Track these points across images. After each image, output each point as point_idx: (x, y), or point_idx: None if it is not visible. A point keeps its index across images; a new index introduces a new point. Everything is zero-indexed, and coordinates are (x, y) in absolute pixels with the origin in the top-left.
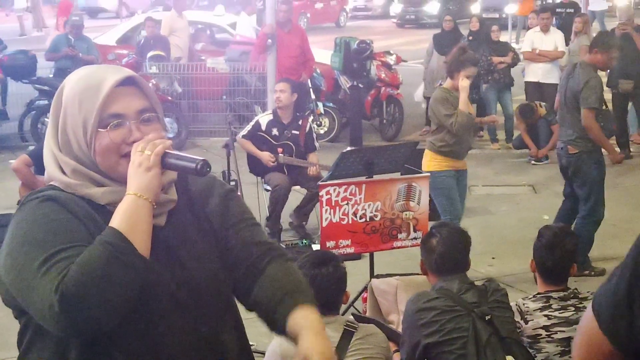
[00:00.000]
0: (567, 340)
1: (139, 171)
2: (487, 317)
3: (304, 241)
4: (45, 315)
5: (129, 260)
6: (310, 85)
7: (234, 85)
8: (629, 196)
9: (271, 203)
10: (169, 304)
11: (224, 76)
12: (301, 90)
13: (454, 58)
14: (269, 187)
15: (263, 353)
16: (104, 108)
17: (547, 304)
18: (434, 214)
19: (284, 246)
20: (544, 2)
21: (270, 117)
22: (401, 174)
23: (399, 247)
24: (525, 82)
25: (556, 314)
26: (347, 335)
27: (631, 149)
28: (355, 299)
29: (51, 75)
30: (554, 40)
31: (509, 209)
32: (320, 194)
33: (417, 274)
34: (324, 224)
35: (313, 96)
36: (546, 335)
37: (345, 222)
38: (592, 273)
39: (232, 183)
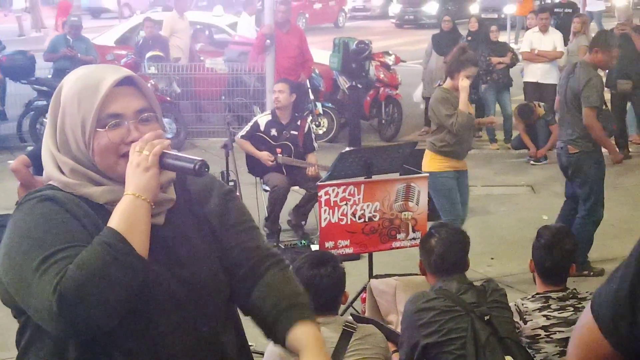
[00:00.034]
0: (566, 341)
1: (137, 171)
2: (486, 318)
3: (303, 241)
4: (43, 316)
5: (127, 260)
6: (309, 86)
7: (233, 85)
8: (628, 196)
9: (270, 203)
10: (168, 303)
11: (223, 77)
12: (300, 91)
13: (454, 58)
14: (267, 188)
15: (262, 353)
16: (102, 108)
17: (546, 304)
18: (433, 214)
19: (283, 247)
20: (543, 2)
21: (269, 117)
22: (400, 174)
23: (397, 248)
24: (524, 82)
25: (555, 314)
26: (346, 335)
27: (630, 150)
28: (354, 299)
29: (50, 76)
30: (552, 40)
31: (507, 209)
32: (319, 194)
33: (416, 274)
34: (323, 224)
35: (312, 96)
36: (545, 335)
37: (344, 223)
38: (591, 273)
39: (231, 183)
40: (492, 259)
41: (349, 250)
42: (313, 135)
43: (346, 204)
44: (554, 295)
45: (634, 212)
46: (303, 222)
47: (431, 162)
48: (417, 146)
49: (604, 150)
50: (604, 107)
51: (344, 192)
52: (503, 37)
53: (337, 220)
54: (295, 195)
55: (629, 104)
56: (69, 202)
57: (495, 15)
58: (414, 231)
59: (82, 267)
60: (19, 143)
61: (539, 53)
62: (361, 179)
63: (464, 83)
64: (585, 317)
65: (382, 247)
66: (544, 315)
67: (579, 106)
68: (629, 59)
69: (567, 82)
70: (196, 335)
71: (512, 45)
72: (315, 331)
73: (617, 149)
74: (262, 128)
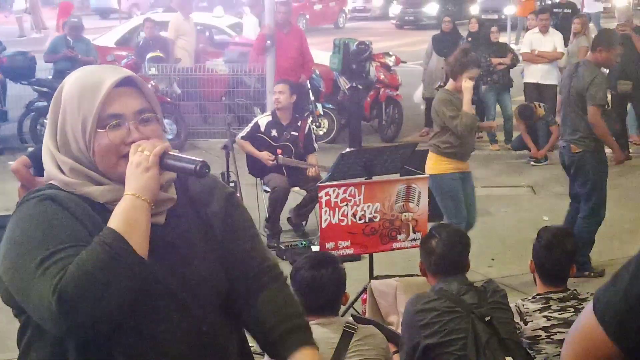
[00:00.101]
0: None
1: (137, 171)
2: (486, 318)
3: (304, 242)
4: (43, 315)
5: (126, 261)
6: (309, 87)
7: (233, 86)
8: (628, 197)
9: (270, 204)
10: (169, 303)
11: (224, 78)
12: (300, 92)
13: (456, 60)
14: (268, 189)
15: (263, 354)
16: (102, 108)
17: (546, 305)
18: (434, 215)
19: (283, 247)
20: (543, 3)
21: (270, 118)
22: (400, 175)
23: (398, 248)
24: (524, 83)
25: (555, 315)
26: (346, 336)
27: (630, 150)
28: (355, 300)
29: (50, 77)
30: (552, 41)
31: (508, 210)
32: (320, 195)
33: (417, 275)
34: (324, 225)
35: (312, 97)
36: (545, 336)
37: (344, 223)
38: (592, 274)
39: (232, 184)
40: (492, 259)
41: (350, 251)
42: (313, 136)
43: (347, 205)
44: (554, 296)
45: (634, 213)
46: (304, 223)
47: (435, 164)
48: (417, 147)
49: (606, 150)
50: (606, 106)
51: (344, 193)
52: (503, 38)
53: (337, 221)
54: (296, 196)
55: (629, 105)
56: (69, 202)
57: (496, 16)
58: (414, 232)
59: (82, 267)
60: (19, 144)
61: (539, 54)
62: (362, 179)
63: (467, 84)
64: (585, 319)
65: (383, 248)
66: (545, 316)
67: (583, 106)
68: (629, 60)
69: (571, 82)
70: (196, 335)
71: (513, 46)
72: (316, 356)
73: (620, 149)
74: (262, 129)
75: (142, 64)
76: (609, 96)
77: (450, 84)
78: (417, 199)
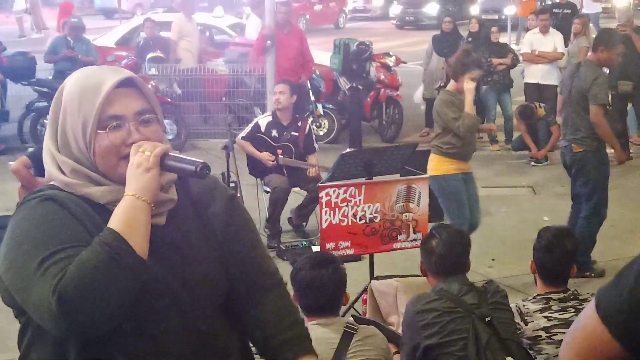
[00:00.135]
0: None
1: (137, 172)
2: (487, 319)
3: (304, 242)
4: (43, 316)
5: (126, 261)
6: (309, 87)
7: (234, 87)
8: (628, 197)
9: (271, 205)
10: (169, 303)
11: (224, 78)
12: (300, 92)
13: (458, 60)
14: (268, 189)
15: None
16: (103, 109)
17: (547, 306)
18: (434, 215)
19: (284, 247)
20: (543, 4)
21: (270, 118)
22: (401, 176)
23: (398, 249)
24: (525, 83)
25: (556, 315)
26: (347, 336)
27: (631, 150)
28: (355, 300)
29: (50, 77)
30: (553, 41)
31: (508, 211)
32: (320, 195)
33: (417, 276)
34: (324, 225)
35: (312, 98)
36: (546, 336)
37: (345, 224)
38: (593, 274)
39: (232, 185)
40: (493, 260)
41: (350, 252)
42: (314, 137)
43: (347, 205)
44: (555, 296)
45: (635, 213)
46: (304, 223)
47: (438, 165)
48: (418, 147)
49: (608, 150)
50: (608, 106)
51: (344, 193)
52: (504, 38)
53: (338, 222)
54: (296, 196)
55: (629, 105)
56: (69, 202)
57: (496, 16)
58: (414, 232)
59: (82, 267)
60: (20, 144)
61: (540, 54)
62: (362, 180)
63: (469, 85)
64: (587, 319)
65: (383, 248)
66: (545, 317)
67: (585, 105)
68: (630, 60)
69: (572, 82)
70: (197, 335)
71: (513, 46)
72: None
73: (621, 149)
74: (262, 129)
75: (142, 64)
76: (610, 96)
77: (452, 85)
78: (418, 199)
